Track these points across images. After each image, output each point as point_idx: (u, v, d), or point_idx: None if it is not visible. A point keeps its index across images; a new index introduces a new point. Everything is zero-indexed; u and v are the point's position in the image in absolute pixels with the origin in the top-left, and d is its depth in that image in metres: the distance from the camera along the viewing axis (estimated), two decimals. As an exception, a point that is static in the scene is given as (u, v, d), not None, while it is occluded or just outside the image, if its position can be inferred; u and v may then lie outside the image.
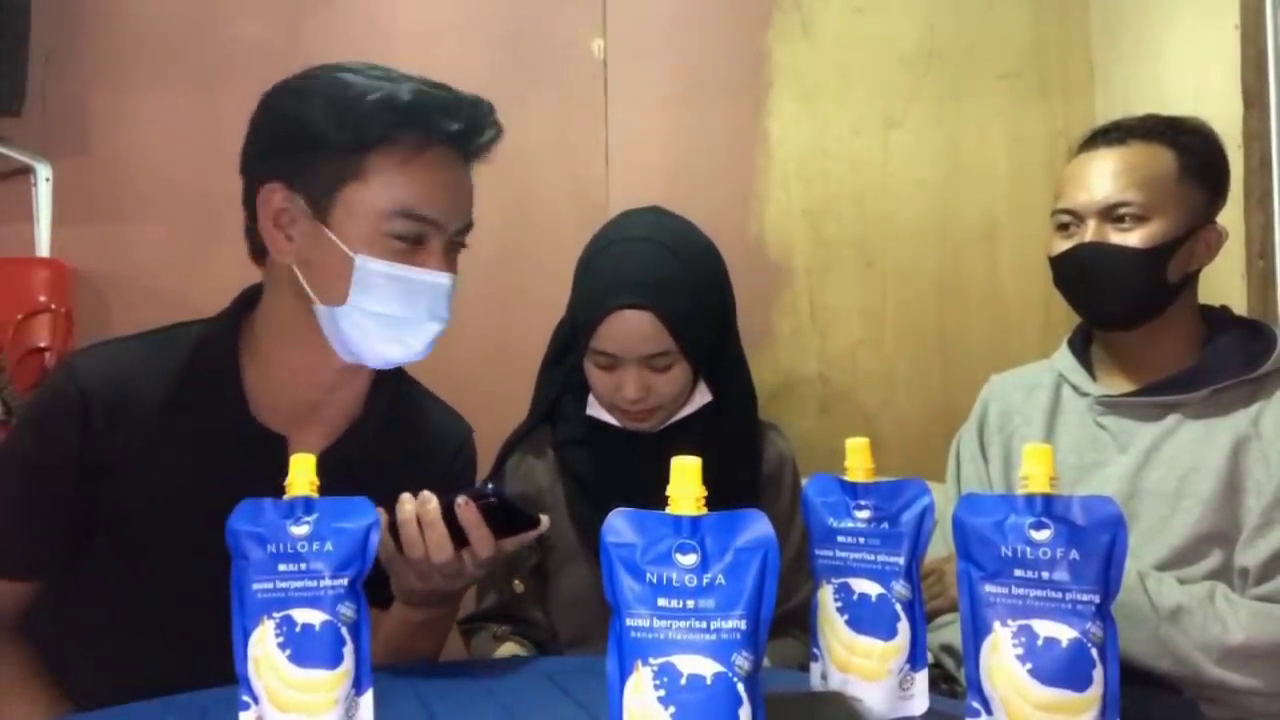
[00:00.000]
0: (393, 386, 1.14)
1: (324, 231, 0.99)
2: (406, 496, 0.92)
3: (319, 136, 0.98)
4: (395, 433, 1.13)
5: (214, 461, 1.03)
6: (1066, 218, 1.29)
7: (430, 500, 0.91)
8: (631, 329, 1.24)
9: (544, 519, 0.95)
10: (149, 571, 1.02)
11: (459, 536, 0.92)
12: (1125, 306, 1.26)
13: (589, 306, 1.28)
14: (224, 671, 0.81)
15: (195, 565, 0.98)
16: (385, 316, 1.00)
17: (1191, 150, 1.26)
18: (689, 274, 1.28)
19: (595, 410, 1.35)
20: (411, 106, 0.99)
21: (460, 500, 0.91)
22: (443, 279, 1.02)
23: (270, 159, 1.02)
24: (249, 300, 1.09)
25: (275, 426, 1.05)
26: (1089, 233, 1.25)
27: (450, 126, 1.00)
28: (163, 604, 1.02)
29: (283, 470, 1.02)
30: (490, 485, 0.93)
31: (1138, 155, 1.26)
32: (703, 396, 1.35)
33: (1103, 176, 1.26)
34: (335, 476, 0.88)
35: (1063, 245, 1.29)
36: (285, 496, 0.74)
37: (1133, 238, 1.23)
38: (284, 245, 1.02)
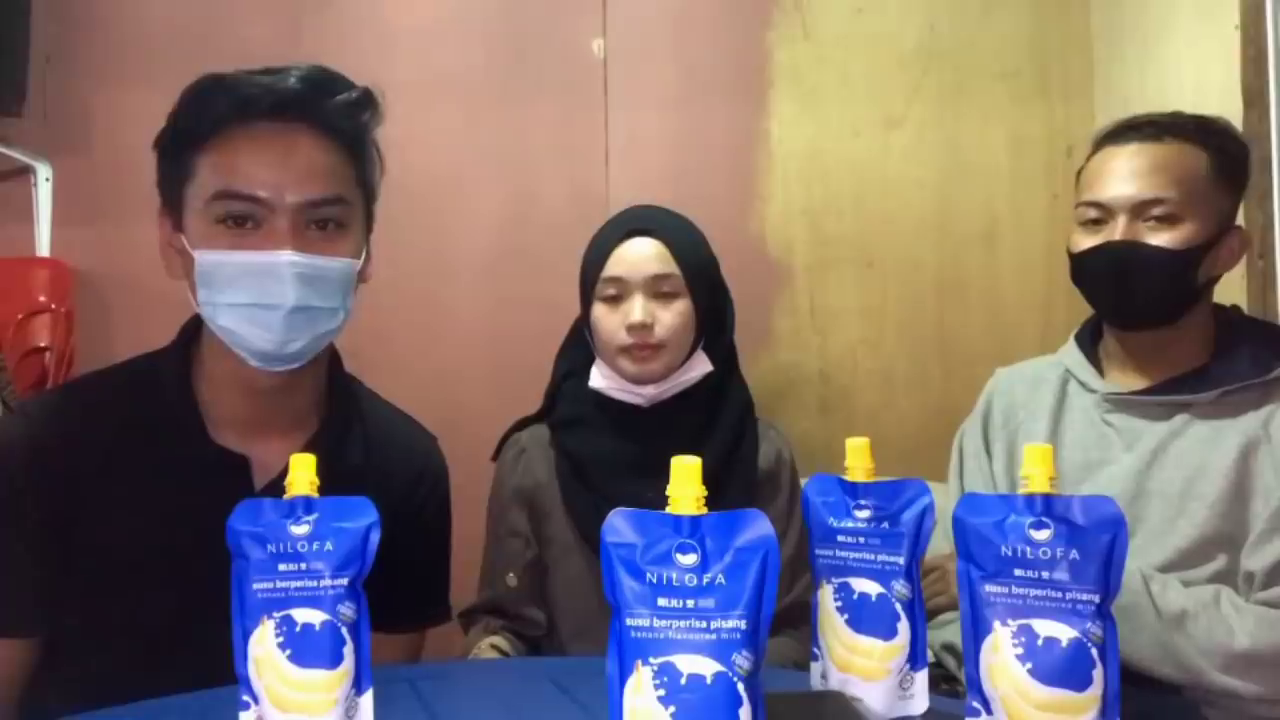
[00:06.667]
0: (348, 396, 1.13)
1: (181, 238, 1.00)
2: None
3: (162, 155, 1.02)
4: (359, 445, 1.10)
5: (178, 489, 1.00)
6: (1094, 211, 1.24)
7: None
8: (639, 252, 1.31)
9: None
10: (126, 610, 0.98)
11: None
12: (1152, 308, 1.23)
13: (597, 250, 1.35)
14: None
15: (168, 598, 0.97)
16: (238, 308, 0.97)
17: (1223, 151, 1.23)
18: (688, 225, 1.38)
19: (598, 381, 1.36)
20: (218, 93, 0.98)
21: None
22: (280, 257, 0.96)
23: (159, 193, 1.04)
24: (196, 326, 1.07)
25: (234, 446, 1.03)
26: (1119, 229, 1.22)
27: (265, 100, 0.98)
28: (145, 637, 0.98)
29: (247, 493, 0.98)
30: None
31: (1173, 153, 1.22)
32: (702, 365, 1.35)
33: (1137, 172, 1.22)
34: None
35: (1089, 241, 1.25)
36: (285, 496, 0.74)
37: (1164, 238, 1.20)
38: (174, 265, 1.03)
